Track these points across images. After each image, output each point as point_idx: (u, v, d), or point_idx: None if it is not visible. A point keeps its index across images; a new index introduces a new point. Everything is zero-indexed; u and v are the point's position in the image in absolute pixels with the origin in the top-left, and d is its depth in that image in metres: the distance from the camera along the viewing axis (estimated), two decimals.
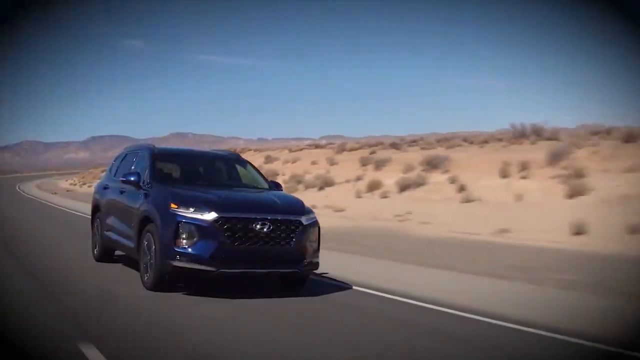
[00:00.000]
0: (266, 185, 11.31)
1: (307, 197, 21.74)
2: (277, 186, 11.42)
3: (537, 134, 30.89)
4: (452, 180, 26.62)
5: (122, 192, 11.21)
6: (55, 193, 57.10)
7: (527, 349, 7.37)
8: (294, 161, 47.59)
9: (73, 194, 54.28)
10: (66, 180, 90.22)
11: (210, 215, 9.02)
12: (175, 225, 9.08)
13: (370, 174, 33.25)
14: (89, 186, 62.69)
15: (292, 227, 9.40)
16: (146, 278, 9.57)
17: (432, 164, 30.26)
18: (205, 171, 11.52)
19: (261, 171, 12.08)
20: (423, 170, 29.97)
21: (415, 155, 34.39)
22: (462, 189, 25.02)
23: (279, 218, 9.34)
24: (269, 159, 51.32)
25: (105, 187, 12.59)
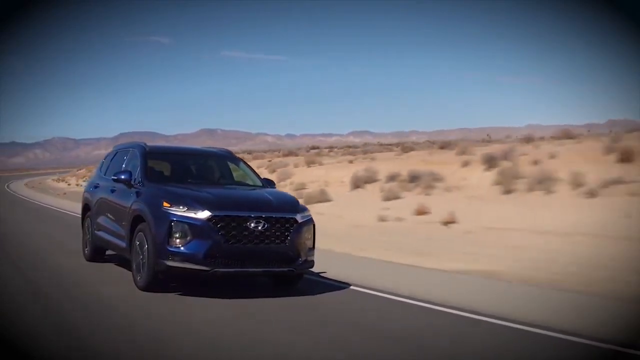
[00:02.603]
0: (259, 183, 11.16)
1: None
2: (270, 183, 11.25)
3: None
4: None
5: (113, 191, 11.03)
6: (26, 184, 78.14)
7: None
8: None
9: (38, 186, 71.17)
10: (53, 179, 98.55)
11: (204, 214, 8.87)
12: (168, 224, 8.93)
13: None
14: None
15: (287, 225, 9.25)
16: (139, 278, 9.42)
17: None
18: (198, 169, 11.37)
19: None
20: None
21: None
22: None
23: (274, 216, 9.20)
24: None
25: (96, 186, 12.40)
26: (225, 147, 13.41)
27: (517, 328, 7.76)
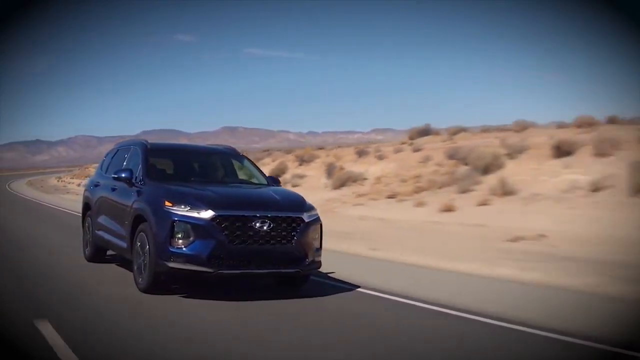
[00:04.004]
0: (264, 181, 10.84)
1: None
2: (275, 182, 10.91)
3: None
4: None
5: (113, 190, 10.71)
6: (28, 181, 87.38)
7: None
8: None
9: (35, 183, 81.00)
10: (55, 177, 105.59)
11: (207, 214, 8.55)
12: (170, 224, 8.61)
13: None
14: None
15: (294, 225, 8.94)
16: (140, 280, 9.11)
17: None
18: (201, 167, 11.04)
19: None
20: None
21: None
22: None
23: (280, 215, 8.88)
24: None
25: (96, 185, 12.07)
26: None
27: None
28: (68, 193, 50.67)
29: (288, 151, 50.81)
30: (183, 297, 8.86)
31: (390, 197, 25.07)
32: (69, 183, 76.08)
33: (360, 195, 26.59)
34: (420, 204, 22.45)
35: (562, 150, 22.72)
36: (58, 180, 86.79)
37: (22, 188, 64.13)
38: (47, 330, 6.89)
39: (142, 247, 9.02)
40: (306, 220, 9.07)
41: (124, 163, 10.84)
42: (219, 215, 8.55)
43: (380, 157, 31.60)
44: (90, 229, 11.87)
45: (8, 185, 70.64)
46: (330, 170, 32.06)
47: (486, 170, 23.87)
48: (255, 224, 8.63)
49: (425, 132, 35.54)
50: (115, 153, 11.96)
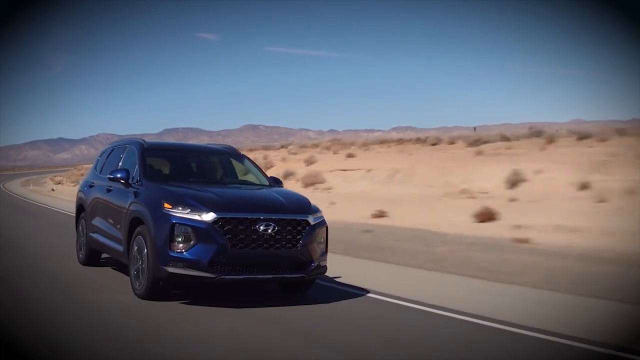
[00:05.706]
0: (266, 182, 10.38)
1: None
2: (278, 182, 10.43)
3: None
4: None
5: (109, 191, 10.25)
6: (27, 179, 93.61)
7: None
8: None
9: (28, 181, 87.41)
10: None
11: (209, 216, 8.12)
12: (169, 227, 8.16)
13: None
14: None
15: (299, 228, 8.50)
16: (138, 285, 8.66)
17: None
18: (201, 167, 10.57)
19: None
20: None
21: None
22: None
23: (285, 218, 8.44)
24: None
25: (91, 185, 11.59)
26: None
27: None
28: (33, 186, 67.21)
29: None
30: (184, 303, 8.44)
31: None
32: (52, 180, 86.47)
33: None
34: None
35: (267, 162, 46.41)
36: (50, 179, 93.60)
37: (11, 184, 77.27)
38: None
39: (140, 251, 8.59)
40: (312, 223, 8.63)
41: (120, 163, 10.40)
42: (221, 218, 8.12)
43: None
44: (85, 231, 11.45)
45: (2, 184, 75.07)
46: None
47: None
48: (259, 227, 8.21)
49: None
50: (111, 152, 11.49)
